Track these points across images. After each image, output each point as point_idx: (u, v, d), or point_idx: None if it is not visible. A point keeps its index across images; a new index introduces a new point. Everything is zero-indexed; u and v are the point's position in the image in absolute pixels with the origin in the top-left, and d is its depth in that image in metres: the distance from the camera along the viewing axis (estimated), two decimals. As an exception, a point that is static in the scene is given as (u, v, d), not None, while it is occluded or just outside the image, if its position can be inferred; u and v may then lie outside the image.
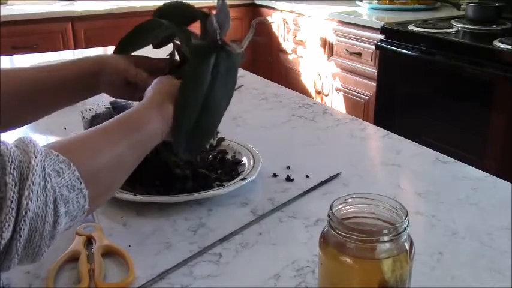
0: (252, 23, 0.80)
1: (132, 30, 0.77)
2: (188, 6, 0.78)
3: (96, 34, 2.85)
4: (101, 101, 0.98)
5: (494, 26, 2.22)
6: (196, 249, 0.72)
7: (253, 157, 0.95)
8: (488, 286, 0.66)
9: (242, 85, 0.78)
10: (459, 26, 2.25)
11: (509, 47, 1.88)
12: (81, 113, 1.00)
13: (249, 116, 1.25)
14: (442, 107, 2.12)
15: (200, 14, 0.73)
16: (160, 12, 0.78)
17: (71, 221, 0.52)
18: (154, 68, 0.77)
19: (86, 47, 2.77)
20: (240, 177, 0.88)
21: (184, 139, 0.69)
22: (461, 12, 2.47)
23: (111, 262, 0.69)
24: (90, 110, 1.00)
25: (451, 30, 2.18)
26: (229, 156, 0.96)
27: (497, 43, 1.94)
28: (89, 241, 0.73)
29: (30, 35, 2.75)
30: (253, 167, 0.91)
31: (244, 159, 0.95)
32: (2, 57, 1.76)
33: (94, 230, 0.74)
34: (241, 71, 1.64)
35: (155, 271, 0.67)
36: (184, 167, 0.87)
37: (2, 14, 2.61)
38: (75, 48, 2.82)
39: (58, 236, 0.51)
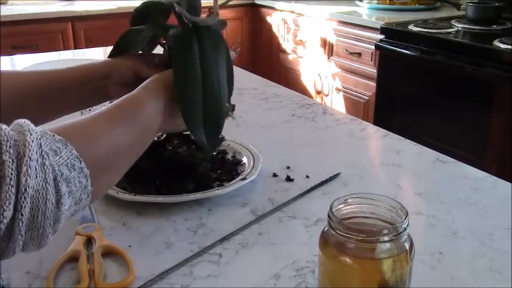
0: None
1: (116, 44, 0.77)
2: (157, 3, 0.77)
3: (96, 34, 2.85)
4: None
5: (494, 26, 2.22)
6: (196, 249, 0.72)
7: (253, 157, 0.95)
8: (488, 286, 0.66)
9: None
10: (459, 26, 2.25)
11: (509, 47, 1.88)
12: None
13: (249, 116, 1.25)
14: (442, 107, 2.12)
15: (170, 4, 0.72)
16: (135, 18, 0.77)
17: (75, 204, 0.51)
18: (153, 62, 0.76)
19: (86, 47, 2.77)
20: (240, 177, 0.88)
21: (202, 129, 0.69)
22: (461, 12, 2.47)
23: (111, 262, 0.69)
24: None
25: (451, 30, 2.18)
26: (229, 156, 0.96)
27: (497, 43, 1.94)
28: (89, 241, 0.73)
29: (30, 35, 2.76)
30: (253, 167, 0.91)
31: (244, 159, 0.95)
32: (2, 57, 1.76)
33: (94, 230, 0.74)
34: (241, 71, 1.65)
35: (155, 271, 0.67)
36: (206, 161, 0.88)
37: (2, 14, 2.62)
38: (75, 48, 2.83)
39: (64, 220, 0.50)
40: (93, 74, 0.75)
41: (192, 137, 0.72)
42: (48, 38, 2.79)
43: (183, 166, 0.86)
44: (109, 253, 0.70)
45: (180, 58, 0.68)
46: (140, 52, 0.79)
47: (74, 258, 0.69)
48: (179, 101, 0.66)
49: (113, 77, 0.75)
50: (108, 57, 0.78)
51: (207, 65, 0.68)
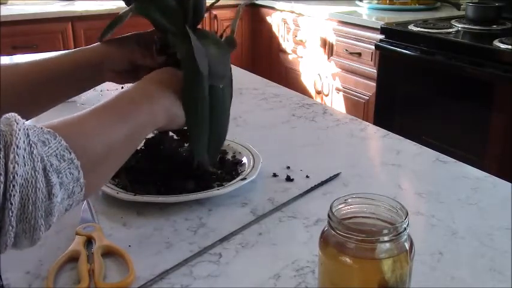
0: (239, 7, 0.79)
1: (111, 23, 0.76)
2: None
3: (96, 34, 2.80)
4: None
5: (494, 26, 2.22)
6: (196, 249, 0.72)
7: (253, 157, 0.94)
8: (488, 286, 0.66)
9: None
10: (459, 26, 2.25)
11: (509, 47, 1.88)
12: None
13: (249, 116, 1.25)
14: (442, 107, 2.12)
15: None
16: None
17: (68, 197, 0.51)
18: (148, 42, 0.76)
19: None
20: (240, 177, 0.88)
21: (204, 142, 0.71)
22: (461, 12, 2.47)
23: (111, 262, 0.69)
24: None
25: (451, 30, 2.18)
26: (229, 156, 0.96)
27: (497, 43, 1.94)
28: (89, 241, 0.72)
29: (30, 35, 2.75)
30: (253, 167, 0.91)
31: (244, 159, 0.95)
32: (2, 57, 1.76)
33: (94, 230, 0.74)
34: (241, 71, 1.65)
35: (155, 271, 0.67)
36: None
37: (2, 14, 2.62)
38: (75, 48, 2.82)
39: (57, 214, 0.50)
40: (84, 62, 0.74)
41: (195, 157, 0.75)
42: (48, 38, 2.79)
43: (183, 166, 0.86)
44: (109, 253, 0.70)
45: (191, 81, 0.68)
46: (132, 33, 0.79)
47: (74, 258, 0.69)
48: (188, 121, 0.68)
49: (105, 64, 0.74)
50: (98, 38, 0.76)
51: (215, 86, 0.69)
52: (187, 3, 0.72)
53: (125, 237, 0.75)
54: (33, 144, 0.47)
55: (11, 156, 0.45)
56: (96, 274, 0.65)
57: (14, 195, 0.45)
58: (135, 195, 0.82)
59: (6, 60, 1.80)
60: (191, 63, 0.66)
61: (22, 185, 0.45)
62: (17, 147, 0.45)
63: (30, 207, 0.46)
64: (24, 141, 0.46)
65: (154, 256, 0.71)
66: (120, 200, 0.82)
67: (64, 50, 2.78)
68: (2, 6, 2.84)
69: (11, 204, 0.45)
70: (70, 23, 2.84)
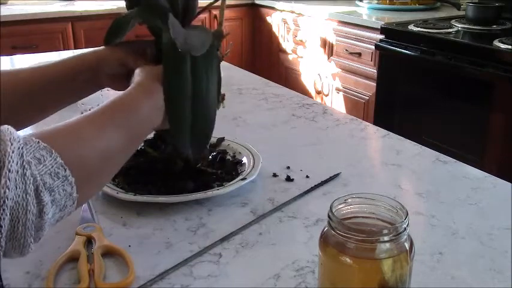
0: None
1: (111, 25, 0.75)
2: None
3: (96, 34, 2.85)
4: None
5: (494, 26, 2.22)
6: (196, 249, 0.72)
7: (253, 157, 0.95)
8: (488, 286, 0.66)
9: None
10: (459, 26, 2.25)
11: (509, 47, 1.88)
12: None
13: (249, 116, 1.25)
14: (442, 107, 2.12)
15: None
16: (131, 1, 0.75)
17: (60, 211, 0.50)
18: (143, 51, 0.76)
19: (86, 47, 2.77)
20: (240, 177, 0.88)
21: (186, 134, 0.68)
22: (461, 12, 2.47)
23: (111, 262, 0.69)
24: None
25: (451, 30, 2.19)
26: (229, 156, 0.96)
27: (497, 43, 1.94)
28: (89, 241, 0.72)
29: (30, 35, 2.76)
30: (253, 167, 0.91)
31: (244, 159, 0.95)
32: (2, 57, 1.76)
33: (94, 230, 0.74)
34: (241, 71, 1.65)
35: (155, 271, 0.67)
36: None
37: (2, 14, 2.62)
38: (75, 48, 2.83)
39: (48, 228, 0.50)
40: (82, 66, 0.74)
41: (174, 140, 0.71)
42: (48, 38, 2.79)
43: (183, 166, 0.86)
44: (109, 253, 0.70)
45: (171, 68, 0.67)
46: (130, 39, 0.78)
47: (73, 258, 0.69)
48: (167, 110, 0.65)
49: (102, 68, 0.74)
50: (104, 43, 0.76)
51: (197, 76, 0.68)
52: (177, 4, 0.72)
53: (125, 237, 0.75)
54: (26, 166, 0.46)
55: (2, 181, 0.44)
56: (96, 274, 0.65)
57: (3, 218, 0.45)
58: (135, 195, 0.82)
59: (6, 60, 1.81)
60: (171, 47, 0.65)
61: (12, 207, 0.45)
62: (9, 171, 0.45)
63: (20, 228, 0.46)
64: (17, 163, 0.46)
65: (154, 256, 0.71)
66: (120, 200, 0.82)
67: (64, 50, 2.79)
68: (2, 6, 2.84)
69: (1, 226, 0.45)
70: (70, 23, 2.84)
